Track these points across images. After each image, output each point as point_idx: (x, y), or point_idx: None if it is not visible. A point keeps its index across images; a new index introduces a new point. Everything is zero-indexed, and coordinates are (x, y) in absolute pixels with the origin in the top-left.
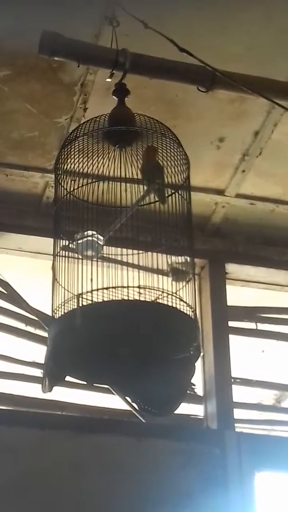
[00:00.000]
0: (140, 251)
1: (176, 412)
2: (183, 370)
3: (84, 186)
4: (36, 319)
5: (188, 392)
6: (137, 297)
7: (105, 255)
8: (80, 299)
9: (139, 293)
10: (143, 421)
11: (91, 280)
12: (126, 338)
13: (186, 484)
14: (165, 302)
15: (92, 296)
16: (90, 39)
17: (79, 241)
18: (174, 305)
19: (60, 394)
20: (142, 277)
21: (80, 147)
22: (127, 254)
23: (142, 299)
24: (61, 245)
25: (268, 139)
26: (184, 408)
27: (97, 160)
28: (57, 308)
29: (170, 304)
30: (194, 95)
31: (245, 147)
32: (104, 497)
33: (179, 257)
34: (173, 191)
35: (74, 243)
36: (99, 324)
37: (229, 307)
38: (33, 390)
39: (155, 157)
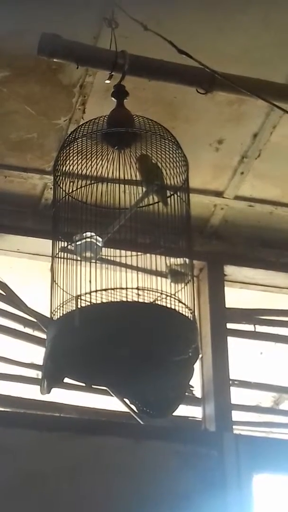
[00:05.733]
0: (139, 253)
1: (174, 414)
2: (182, 372)
3: (82, 188)
4: (35, 320)
5: (186, 394)
6: (135, 299)
7: (103, 257)
8: (79, 300)
9: (138, 294)
10: (142, 423)
11: (90, 281)
12: (125, 340)
13: (184, 486)
14: (164, 304)
15: (90, 298)
16: (89, 41)
17: (77, 243)
18: (172, 307)
19: (58, 395)
20: (141, 278)
21: (79, 149)
22: (125, 256)
23: (140, 300)
24: (59, 247)
25: (267, 141)
26: (182, 410)
27: (96, 161)
28: (56, 310)
29: (168, 305)
30: (193, 97)
31: (244, 149)
32: (102, 499)
33: (178, 259)
34: (172, 192)
35: (73, 244)
36: (97, 325)
37: (227, 309)
38: (31, 392)
39: (149, 161)
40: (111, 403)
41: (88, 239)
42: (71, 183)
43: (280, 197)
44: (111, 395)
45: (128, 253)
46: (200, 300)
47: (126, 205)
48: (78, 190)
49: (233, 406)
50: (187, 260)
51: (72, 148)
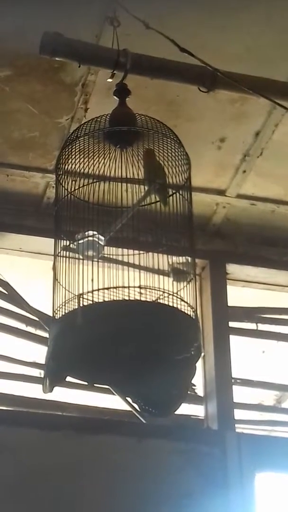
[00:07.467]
0: (141, 252)
1: (176, 412)
2: (184, 370)
3: (85, 186)
4: (37, 319)
5: (188, 392)
6: (138, 297)
7: (106, 255)
8: (81, 299)
9: (140, 293)
10: (144, 421)
11: (92, 280)
12: (127, 338)
13: (186, 485)
14: (166, 302)
15: (93, 296)
16: (91, 39)
17: (80, 241)
18: (175, 306)
19: (60, 394)
20: (143, 277)
21: (81, 147)
22: (128, 254)
23: (143, 299)
24: (62, 245)
25: (269, 139)
26: (185, 409)
27: (98, 160)
28: (58, 309)
29: (171, 304)
30: (195, 95)
31: (246, 148)
32: (104, 497)
33: (180, 258)
34: (174, 191)
35: (75, 243)
36: (99, 324)
37: (229, 307)
38: (34, 391)
39: (154, 158)
40: (114, 401)
41: (90, 238)
42: (73, 182)
43: (283, 195)
44: (113, 394)
45: (130, 251)
46: (202, 299)
47: (128, 204)
48: (80, 188)
49: (235, 404)
50: (189, 258)
51: (74, 146)
